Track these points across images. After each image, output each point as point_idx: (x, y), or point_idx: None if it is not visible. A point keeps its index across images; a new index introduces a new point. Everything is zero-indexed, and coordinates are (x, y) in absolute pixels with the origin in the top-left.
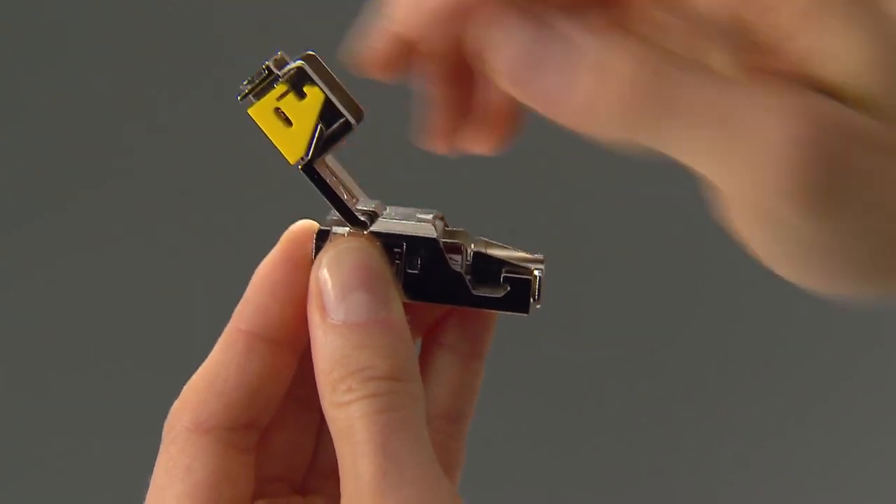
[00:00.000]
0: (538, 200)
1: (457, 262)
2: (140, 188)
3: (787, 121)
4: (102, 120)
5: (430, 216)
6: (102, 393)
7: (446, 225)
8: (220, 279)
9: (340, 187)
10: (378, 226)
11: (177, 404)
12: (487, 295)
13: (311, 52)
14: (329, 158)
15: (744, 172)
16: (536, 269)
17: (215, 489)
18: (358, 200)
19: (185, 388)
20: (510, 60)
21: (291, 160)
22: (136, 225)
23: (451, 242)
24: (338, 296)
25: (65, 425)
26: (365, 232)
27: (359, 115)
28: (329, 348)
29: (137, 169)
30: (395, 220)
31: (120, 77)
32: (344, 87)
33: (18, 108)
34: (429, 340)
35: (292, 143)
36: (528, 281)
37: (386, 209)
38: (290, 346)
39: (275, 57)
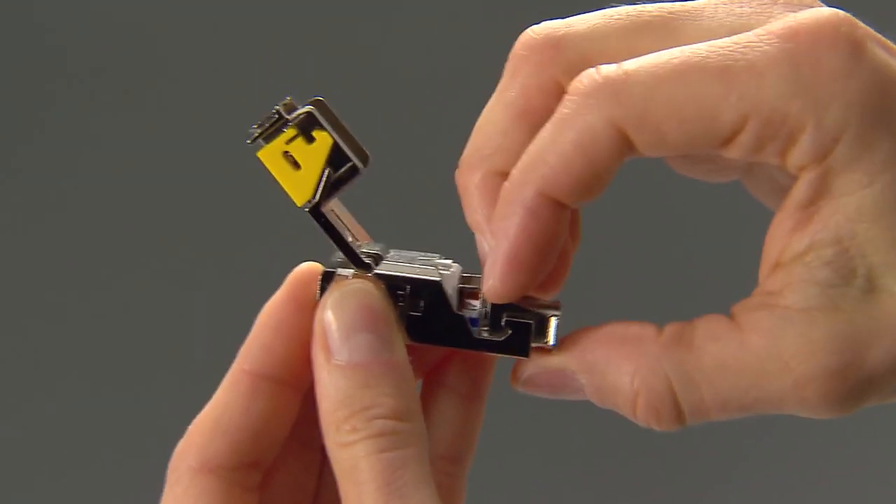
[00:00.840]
0: None
1: (474, 309)
2: (148, 226)
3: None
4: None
5: (433, 259)
6: (109, 434)
7: (464, 270)
8: (226, 319)
9: (346, 230)
10: (382, 268)
11: (181, 444)
12: (488, 338)
13: (319, 98)
14: (335, 202)
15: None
16: (552, 314)
17: None
18: (362, 243)
19: (189, 428)
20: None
21: (299, 203)
22: (144, 262)
23: (471, 288)
24: (342, 336)
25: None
26: (369, 274)
27: (365, 160)
28: (333, 388)
29: (147, 209)
30: (399, 263)
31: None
32: (350, 131)
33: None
34: (430, 381)
35: (300, 186)
36: (529, 325)
37: (389, 252)
38: (294, 386)
39: (284, 102)
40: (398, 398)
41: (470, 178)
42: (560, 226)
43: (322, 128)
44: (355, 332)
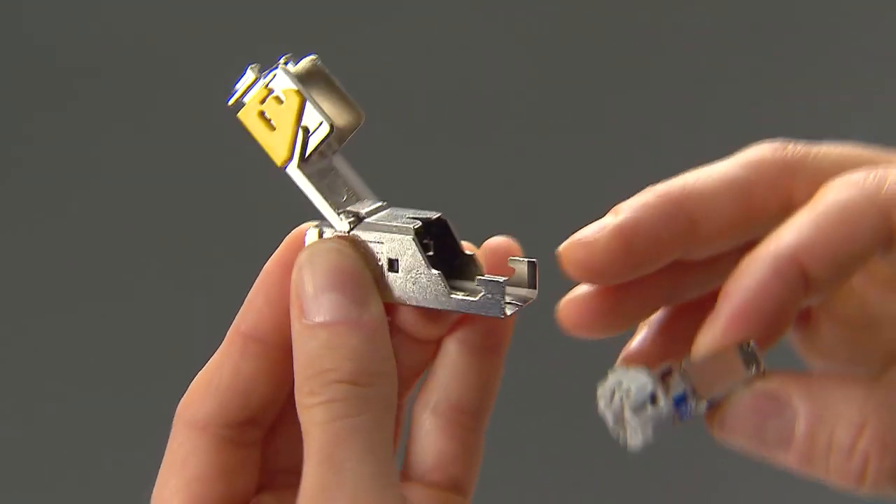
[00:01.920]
0: (542, 203)
1: (679, 385)
2: (148, 226)
3: None
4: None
5: (425, 216)
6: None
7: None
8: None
9: (329, 189)
10: (361, 227)
11: (181, 401)
12: (464, 298)
13: (311, 56)
14: (337, 158)
15: None
16: (530, 261)
17: (208, 483)
18: (360, 201)
19: (190, 385)
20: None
21: (278, 163)
22: (144, 262)
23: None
24: (313, 296)
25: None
26: (348, 233)
27: (351, 119)
28: (303, 348)
29: (147, 209)
30: (382, 222)
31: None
32: (342, 89)
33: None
34: (448, 336)
35: (277, 147)
36: (500, 283)
37: (385, 210)
38: (285, 347)
39: (281, 60)
40: (360, 361)
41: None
42: (796, 301)
43: (290, 87)
44: (324, 291)
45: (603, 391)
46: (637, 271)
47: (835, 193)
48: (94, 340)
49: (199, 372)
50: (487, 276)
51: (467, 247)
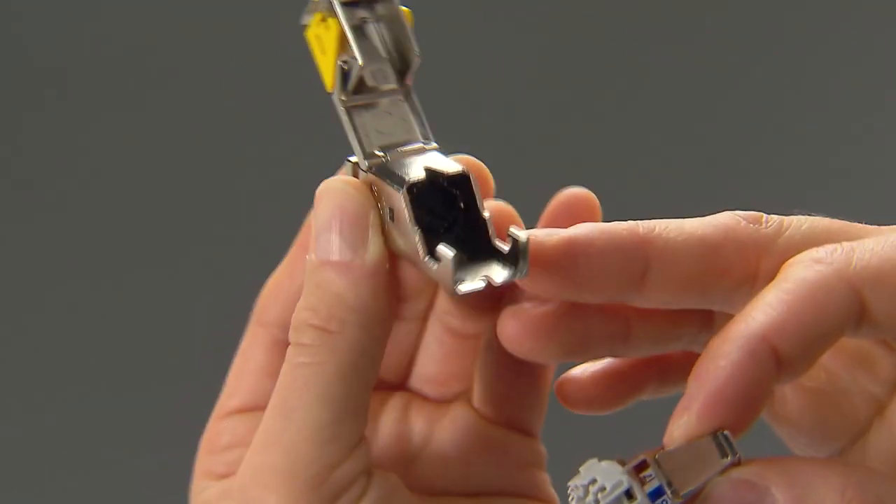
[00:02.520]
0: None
1: (652, 478)
2: (147, 227)
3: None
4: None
5: (444, 170)
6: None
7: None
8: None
9: (371, 125)
10: (378, 170)
11: (257, 301)
12: (430, 261)
13: None
14: (398, 97)
15: None
16: (516, 237)
17: (265, 378)
18: (408, 143)
19: (263, 288)
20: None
21: (328, 89)
22: (143, 263)
23: (639, 463)
24: (315, 233)
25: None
26: (367, 173)
27: (406, 60)
28: (304, 283)
29: (146, 209)
30: (394, 170)
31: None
32: (407, 27)
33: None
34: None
35: (325, 72)
36: (450, 256)
37: (422, 155)
38: None
39: None
40: (337, 306)
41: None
42: (769, 384)
43: (334, 14)
44: (322, 230)
45: (575, 488)
46: (573, 293)
47: (804, 270)
48: (93, 340)
49: (271, 276)
50: (443, 246)
51: (494, 208)
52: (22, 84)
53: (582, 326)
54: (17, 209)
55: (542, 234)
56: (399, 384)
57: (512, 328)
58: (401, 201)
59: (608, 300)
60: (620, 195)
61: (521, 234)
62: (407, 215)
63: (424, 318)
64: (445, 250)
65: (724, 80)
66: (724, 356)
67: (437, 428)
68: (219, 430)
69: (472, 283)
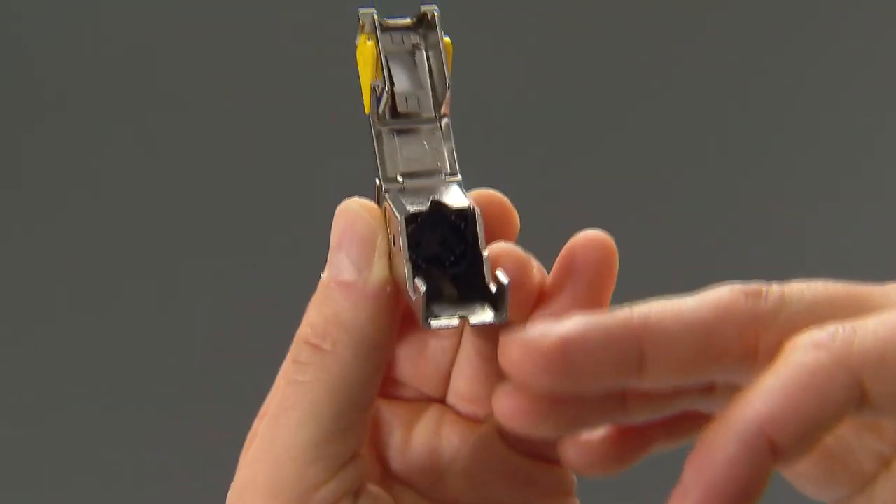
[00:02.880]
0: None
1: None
2: (147, 227)
3: None
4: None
5: (451, 204)
6: (109, 433)
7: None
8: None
9: (400, 150)
10: (390, 196)
11: None
12: (412, 293)
13: (427, 8)
14: (434, 125)
15: None
16: (498, 282)
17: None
18: (435, 172)
19: None
20: None
21: (366, 110)
22: (145, 227)
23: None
24: (330, 251)
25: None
26: (387, 197)
27: (439, 89)
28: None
29: (146, 210)
30: (401, 198)
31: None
32: (443, 54)
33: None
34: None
35: (364, 93)
36: (423, 291)
37: (441, 187)
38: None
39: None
40: (331, 326)
41: None
42: (766, 473)
43: (372, 37)
44: (335, 249)
45: None
46: (570, 387)
47: (802, 355)
48: (94, 341)
49: None
50: (418, 281)
51: (499, 249)
52: (22, 84)
53: (576, 407)
54: (17, 209)
55: (538, 334)
56: (439, 398)
57: (507, 408)
58: (399, 230)
59: (606, 391)
60: (624, 201)
61: (504, 277)
62: (402, 243)
63: (460, 335)
64: (420, 283)
65: (731, 87)
66: (720, 449)
67: (466, 446)
68: None
69: (446, 320)
